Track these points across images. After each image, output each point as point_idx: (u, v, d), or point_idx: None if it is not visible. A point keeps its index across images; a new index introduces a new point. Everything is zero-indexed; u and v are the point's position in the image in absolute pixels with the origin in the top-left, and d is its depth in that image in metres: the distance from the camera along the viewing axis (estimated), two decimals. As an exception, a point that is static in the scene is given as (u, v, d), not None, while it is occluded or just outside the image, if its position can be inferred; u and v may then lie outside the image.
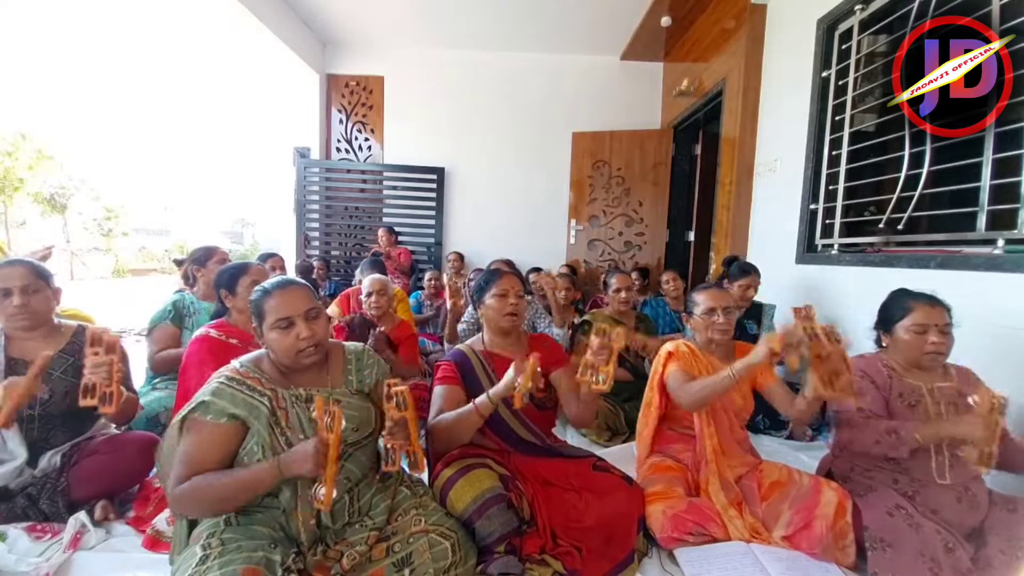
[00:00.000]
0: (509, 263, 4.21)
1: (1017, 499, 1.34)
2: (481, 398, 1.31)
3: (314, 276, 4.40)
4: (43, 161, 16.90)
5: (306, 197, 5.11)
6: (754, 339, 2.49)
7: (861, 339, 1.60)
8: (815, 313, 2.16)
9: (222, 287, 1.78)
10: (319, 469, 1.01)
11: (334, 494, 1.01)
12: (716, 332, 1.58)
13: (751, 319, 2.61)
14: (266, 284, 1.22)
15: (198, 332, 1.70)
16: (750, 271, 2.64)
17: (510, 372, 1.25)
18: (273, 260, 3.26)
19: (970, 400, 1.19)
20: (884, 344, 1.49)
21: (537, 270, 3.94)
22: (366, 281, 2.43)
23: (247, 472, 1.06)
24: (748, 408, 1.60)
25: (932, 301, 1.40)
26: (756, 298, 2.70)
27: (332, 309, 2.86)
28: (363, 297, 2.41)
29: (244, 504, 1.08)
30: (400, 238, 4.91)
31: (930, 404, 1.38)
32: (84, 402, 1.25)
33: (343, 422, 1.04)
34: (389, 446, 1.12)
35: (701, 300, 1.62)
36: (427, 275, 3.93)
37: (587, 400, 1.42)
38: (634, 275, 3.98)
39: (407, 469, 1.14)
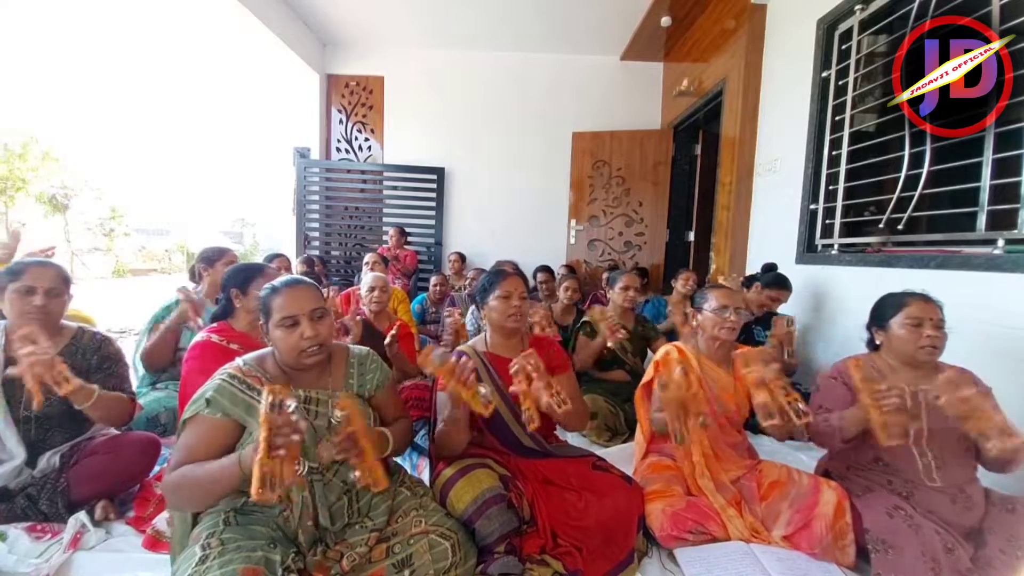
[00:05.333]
0: (514, 265, 4.21)
1: (1016, 499, 1.33)
2: (447, 413, 1.29)
3: (315, 271, 4.40)
4: (48, 163, 16.92)
5: (306, 197, 5.12)
6: (760, 346, 2.48)
7: (860, 339, 1.60)
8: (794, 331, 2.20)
9: (235, 286, 1.71)
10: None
11: (276, 483, 0.88)
12: (724, 330, 1.57)
13: (760, 325, 2.60)
14: (275, 282, 1.22)
15: (198, 337, 1.66)
16: (786, 286, 2.60)
17: (441, 396, 1.22)
18: (279, 260, 3.28)
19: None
20: (878, 343, 1.49)
21: (545, 269, 3.93)
22: (368, 277, 2.48)
23: (216, 464, 1.03)
24: (742, 412, 1.60)
25: (925, 297, 1.41)
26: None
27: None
28: (364, 292, 2.45)
29: (218, 498, 1.07)
30: (407, 240, 4.92)
31: (910, 405, 1.37)
32: (34, 405, 1.22)
33: (265, 406, 0.93)
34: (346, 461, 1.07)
35: (713, 297, 1.61)
36: (433, 280, 3.90)
37: (569, 410, 1.41)
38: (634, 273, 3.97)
39: (371, 486, 1.04)
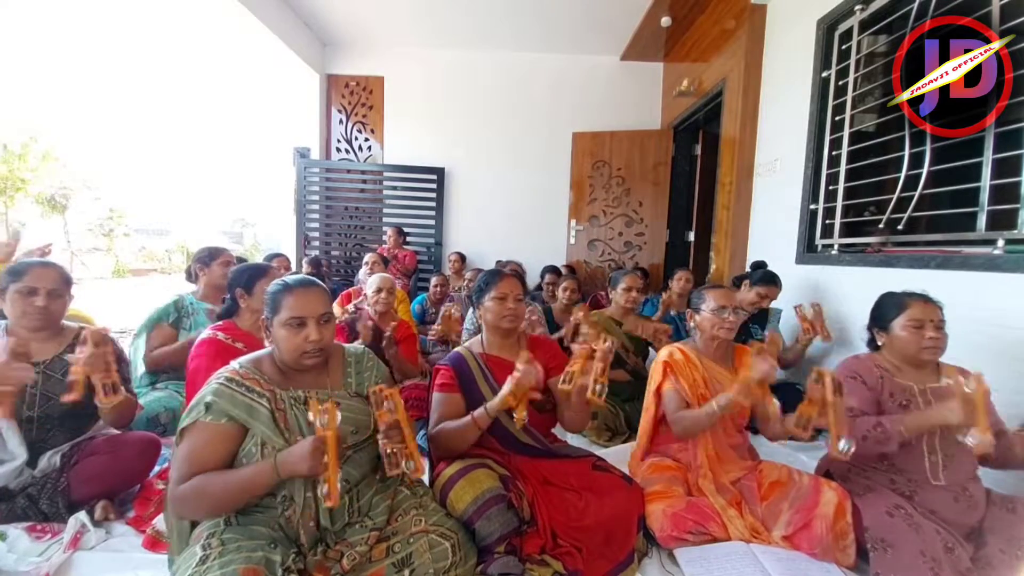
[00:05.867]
0: (517, 266, 4.20)
1: (1016, 499, 1.34)
2: (479, 411, 1.31)
3: (322, 270, 4.42)
4: (48, 163, 16.94)
5: (306, 197, 5.11)
6: (758, 343, 2.48)
7: (860, 340, 1.60)
8: (823, 311, 2.20)
9: (239, 286, 1.74)
10: (317, 468, 1.00)
11: (338, 489, 0.99)
12: (723, 330, 1.58)
13: (756, 323, 2.60)
14: (288, 279, 1.22)
15: (204, 334, 1.67)
16: (775, 282, 2.61)
17: (507, 386, 1.24)
18: (279, 260, 3.30)
19: (943, 382, 1.21)
20: (880, 343, 1.50)
21: (553, 270, 3.91)
22: (375, 278, 2.48)
23: (245, 471, 1.05)
24: (744, 413, 1.60)
25: (926, 298, 1.42)
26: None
27: (334, 308, 2.88)
28: (369, 293, 2.45)
29: (243, 505, 1.08)
30: (406, 239, 4.91)
31: (921, 404, 1.38)
32: (68, 397, 1.27)
33: (339, 418, 1.02)
34: (388, 451, 1.11)
35: (711, 297, 1.61)
36: (433, 280, 3.91)
37: (577, 408, 1.41)
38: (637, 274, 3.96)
39: (407, 472, 1.11)
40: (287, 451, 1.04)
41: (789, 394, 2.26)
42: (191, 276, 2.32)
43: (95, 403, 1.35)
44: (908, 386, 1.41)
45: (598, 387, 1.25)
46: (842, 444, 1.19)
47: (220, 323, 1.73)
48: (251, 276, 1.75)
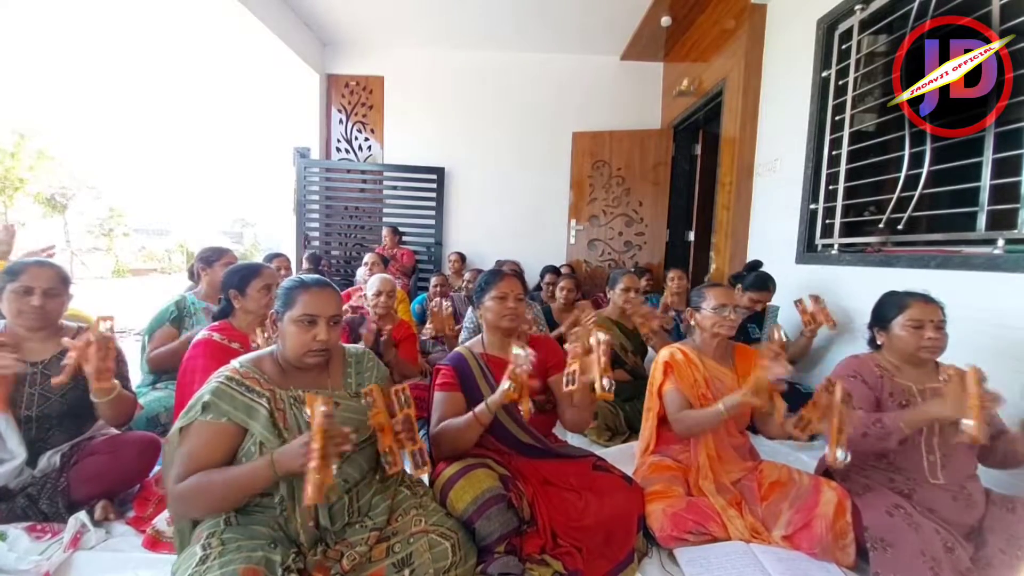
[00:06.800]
0: (515, 265, 4.20)
1: (1016, 499, 1.34)
2: (480, 407, 1.30)
3: (321, 267, 4.42)
4: (44, 161, 16.93)
5: (306, 197, 5.11)
6: (756, 342, 2.48)
7: (861, 339, 1.60)
8: (823, 300, 2.15)
9: (232, 287, 1.74)
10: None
11: (323, 486, 0.94)
12: (724, 328, 1.58)
13: (754, 322, 2.61)
14: (304, 277, 1.23)
15: (199, 335, 1.67)
16: (767, 287, 2.59)
17: (505, 380, 1.23)
18: (279, 260, 3.28)
19: (940, 378, 1.23)
20: (879, 343, 1.50)
21: (553, 270, 3.91)
22: (375, 280, 2.44)
23: (244, 469, 1.05)
24: (747, 413, 1.60)
25: (926, 298, 1.42)
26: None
27: None
28: (369, 295, 2.43)
29: (242, 502, 1.08)
30: (403, 238, 4.91)
31: (920, 404, 1.38)
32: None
33: (321, 416, 0.97)
34: (387, 448, 1.11)
35: (712, 296, 1.62)
36: (433, 280, 3.91)
37: (581, 406, 1.41)
38: (645, 276, 3.94)
39: (410, 470, 1.10)
40: (282, 448, 1.04)
41: (790, 393, 2.27)
42: (193, 276, 2.33)
43: (91, 398, 1.35)
44: (907, 386, 1.42)
45: (605, 382, 1.20)
46: (839, 454, 1.20)
47: (216, 324, 1.73)
48: (243, 277, 1.75)
